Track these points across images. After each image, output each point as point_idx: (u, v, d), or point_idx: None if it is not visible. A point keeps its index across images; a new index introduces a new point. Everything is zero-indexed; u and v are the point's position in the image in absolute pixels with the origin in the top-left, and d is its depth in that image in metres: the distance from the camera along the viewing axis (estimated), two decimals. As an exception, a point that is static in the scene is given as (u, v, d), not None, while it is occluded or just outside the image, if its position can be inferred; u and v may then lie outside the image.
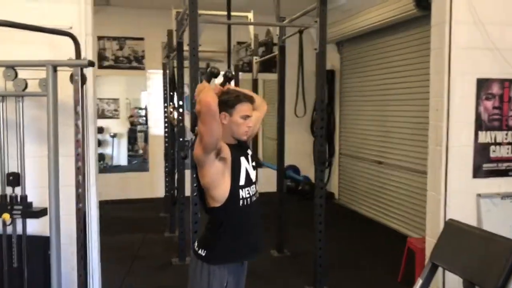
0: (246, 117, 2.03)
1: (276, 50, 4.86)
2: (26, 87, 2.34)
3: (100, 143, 10.21)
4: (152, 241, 5.14)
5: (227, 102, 2.00)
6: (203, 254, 2.01)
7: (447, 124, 3.07)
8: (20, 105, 2.36)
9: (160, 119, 6.57)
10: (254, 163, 2.15)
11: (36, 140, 2.54)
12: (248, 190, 2.05)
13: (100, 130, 10.10)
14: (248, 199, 2.05)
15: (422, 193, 4.98)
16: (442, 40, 3.03)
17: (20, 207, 2.41)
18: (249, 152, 2.16)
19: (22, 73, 2.39)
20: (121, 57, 7.11)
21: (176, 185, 5.11)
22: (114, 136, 10.32)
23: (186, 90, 4.27)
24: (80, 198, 2.33)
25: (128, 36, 7.08)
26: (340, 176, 7.24)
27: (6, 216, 2.39)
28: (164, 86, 6.20)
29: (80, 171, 2.30)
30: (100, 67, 7.01)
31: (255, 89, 5.61)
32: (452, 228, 2.72)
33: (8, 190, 2.49)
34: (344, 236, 5.34)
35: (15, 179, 2.46)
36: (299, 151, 7.50)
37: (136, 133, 10.94)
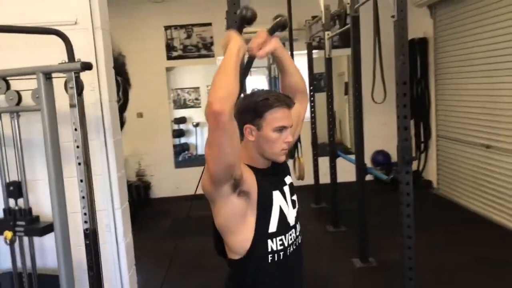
0: (283, 128, 1.39)
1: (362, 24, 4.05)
2: (20, 100, 1.95)
3: (183, 133, 10.29)
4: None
5: (253, 110, 1.38)
6: None
7: None
8: (15, 121, 1.99)
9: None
10: (295, 196, 1.51)
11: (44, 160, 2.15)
12: (282, 240, 1.42)
13: (183, 120, 10.14)
14: (281, 252, 1.42)
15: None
16: None
17: (23, 222, 2.03)
18: (288, 179, 1.51)
19: (18, 85, 2.00)
20: (189, 45, 6.75)
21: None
22: (196, 125, 10.25)
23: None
24: (89, 231, 1.89)
25: (195, 22, 6.69)
26: (438, 161, 6.23)
27: (8, 234, 2.01)
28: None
29: (86, 201, 1.86)
30: (169, 58, 6.77)
31: (328, 68, 4.86)
32: None
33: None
34: (445, 238, 4.45)
35: (16, 190, 2.08)
36: (389, 134, 6.57)
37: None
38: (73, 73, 1.80)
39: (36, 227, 2.01)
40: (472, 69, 5.13)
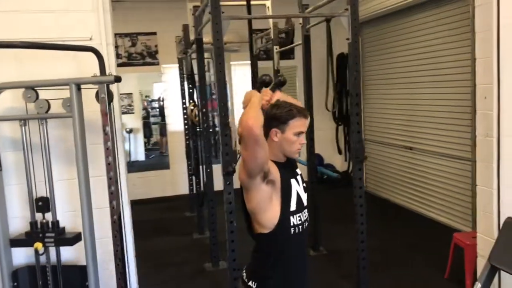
0: (300, 133, 1.81)
1: (296, 38, 4.65)
2: (49, 108, 2.16)
3: (116, 140, 10.15)
4: (181, 244, 5.00)
5: (279, 118, 1.78)
6: (254, 287, 1.83)
7: (498, 112, 2.83)
8: (44, 127, 2.19)
9: (179, 115, 6.39)
10: (304, 184, 1.95)
11: (64, 162, 2.37)
12: (300, 216, 1.84)
13: (115, 126, 10.03)
14: (300, 226, 1.84)
15: (460, 179, 4.76)
16: (490, 21, 2.77)
17: (53, 234, 2.24)
18: (299, 171, 1.95)
19: (45, 94, 2.21)
20: (134, 53, 6.91)
21: (204, 182, 4.92)
22: (130, 131, 10.22)
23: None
24: (116, 222, 2.16)
25: (140, 31, 6.87)
26: (366, 162, 7.01)
27: (39, 245, 2.22)
28: (181, 82, 6.00)
29: (114, 196, 2.12)
30: (114, 65, 6.87)
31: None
32: (514, 228, 2.53)
33: (38, 217, 2.33)
34: (379, 226, 5.13)
35: (45, 203, 2.28)
36: (322, 139, 7.21)
37: (150, 126, 10.82)
38: (105, 84, 2.06)
39: (66, 237, 2.21)
40: (395, 81, 5.94)
